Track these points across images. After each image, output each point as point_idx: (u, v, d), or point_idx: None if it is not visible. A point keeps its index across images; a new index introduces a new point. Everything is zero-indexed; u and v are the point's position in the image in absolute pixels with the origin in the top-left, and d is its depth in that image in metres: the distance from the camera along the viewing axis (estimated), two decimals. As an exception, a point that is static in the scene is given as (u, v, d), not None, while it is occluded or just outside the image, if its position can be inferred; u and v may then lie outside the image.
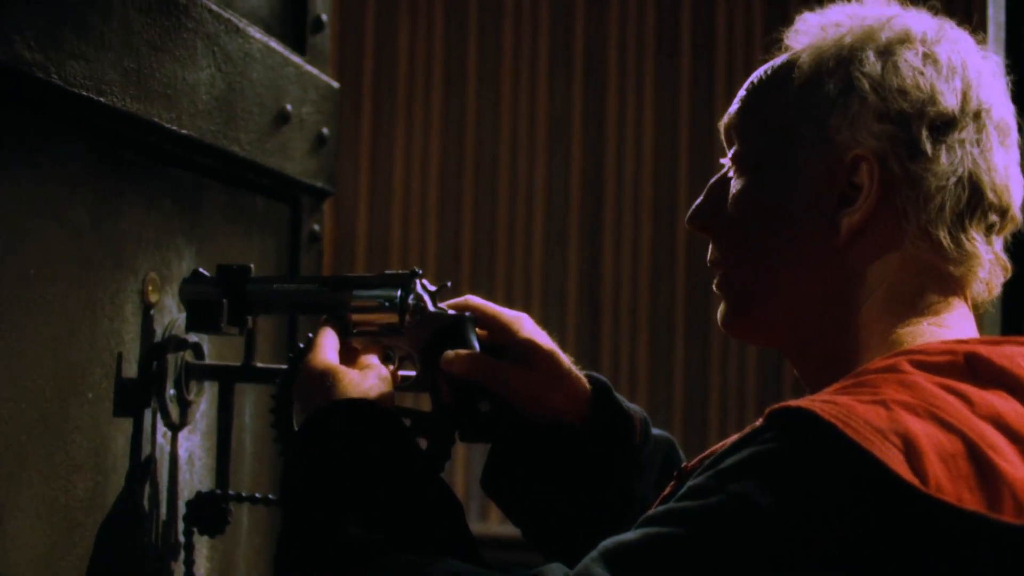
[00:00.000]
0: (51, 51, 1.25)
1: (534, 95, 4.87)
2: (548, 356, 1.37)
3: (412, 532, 1.17)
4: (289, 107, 1.78)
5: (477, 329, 1.39)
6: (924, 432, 0.99)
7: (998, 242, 1.20)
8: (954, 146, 1.15)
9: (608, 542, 1.02)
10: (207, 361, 1.60)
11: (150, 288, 1.50)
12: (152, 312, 1.51)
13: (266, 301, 1.47)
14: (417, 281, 1.40)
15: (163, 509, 1.54)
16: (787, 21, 1.26)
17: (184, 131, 1.50)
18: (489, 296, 1.45)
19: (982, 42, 1.23)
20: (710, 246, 1.27)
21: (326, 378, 1.30)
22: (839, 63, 1.18)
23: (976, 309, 1.21)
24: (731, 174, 1.26)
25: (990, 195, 1.17)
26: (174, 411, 1.53)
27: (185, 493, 1.56)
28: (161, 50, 1.45)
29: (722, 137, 1.29)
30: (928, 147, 1.15)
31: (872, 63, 1.17)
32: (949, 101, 1.16)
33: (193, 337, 1.55)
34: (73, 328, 1.38)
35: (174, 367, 1.53)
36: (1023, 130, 1.22)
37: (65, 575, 1.36)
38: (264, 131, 1.72)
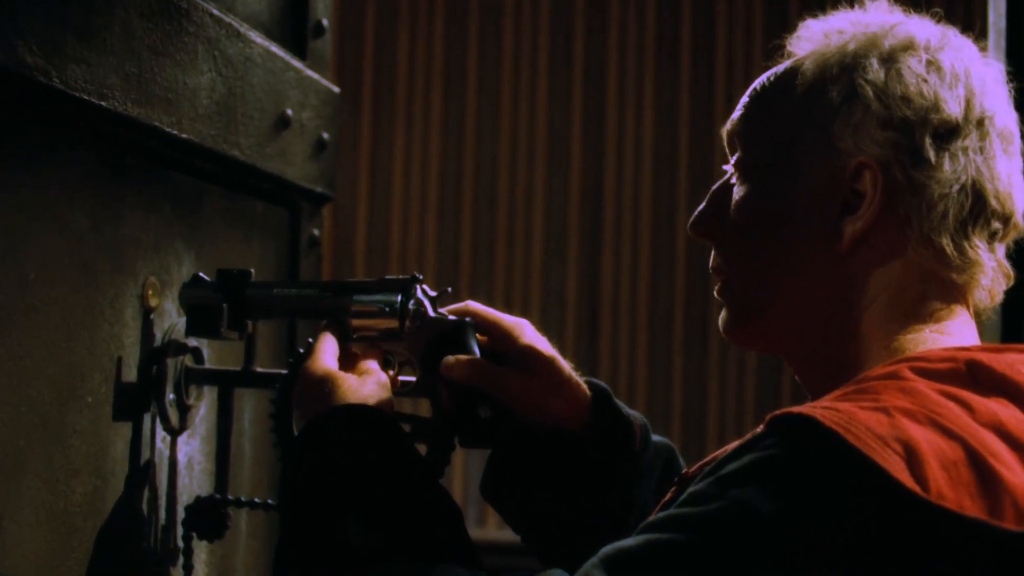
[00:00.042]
0: (53, 55, 1.25)
1: (534, 98, 4.87)
2: (549, 362, 1.37)
3: (411, 538, 1.17)
4: (289, 112, 1.78)
5: (478, 335, 1.39)
6: (925, 439, 0.99)
7: (1000, 249, 1.20)
8: (957, 154, 1.15)
9: (609, 548, 1.02)
10: (207, 366, 1.60)
11: (150, 292, 1.50)
12: (152, 316, 1.51)
13: (266, 306, 1.47)
14: (418, 286, 1.40)
15: (162, 514, 1.53)
16: (787, 22, 1.26)
17: (185, 135, 1.50)
18: (488, 300, 1.45)
19: (983, 49, 1.24)
20: (712, 253, 1.27)
21: (324, 384, 1.30)
22: (843, 70, 1.18)
23: (978, 316, 1.21)
24: (733, 180, 1.26)
25: (993, 202, 1.17)
26: (173, 415, 1.53)
27: (184, 498, 1.56)
28: (162, 54, 1.45)
29: (724, 143, 1.29)
30: (931, 155, 1.15)
31: (876, 70, 1.17)
32: (953, 109, 1.16)
33: (193, 341, 1.55)
34: (72, 332, 1.37)
35: (174, 371, 1.53)
36: (1026, 137, 1.22)
37: (64, 580, 1.36)
38: (264, 136, 1.72)
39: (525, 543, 1.45)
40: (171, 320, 1.54)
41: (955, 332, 1.17)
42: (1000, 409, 1.05)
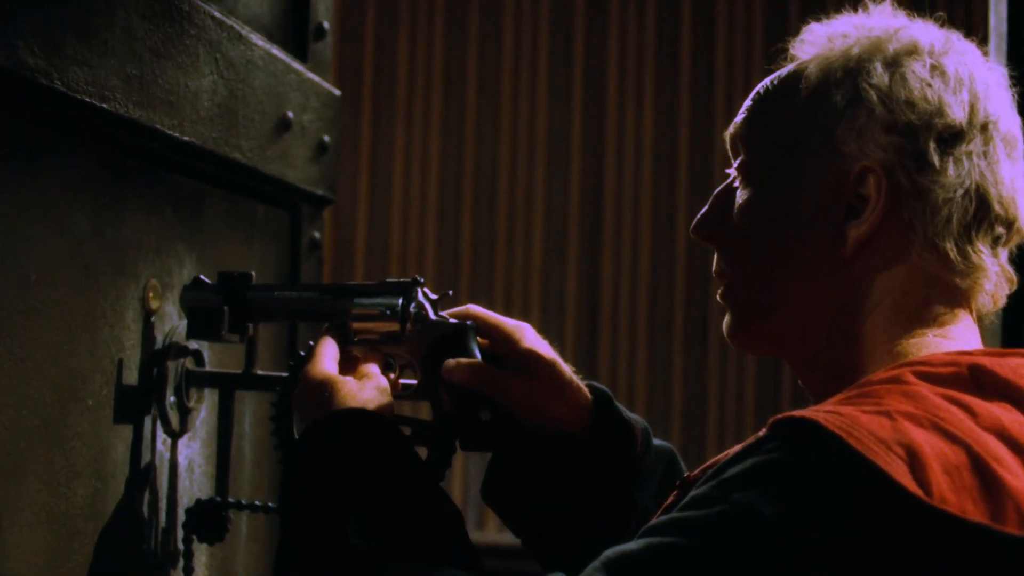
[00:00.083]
0: (54, 57, 1.25)
1: (534, 98, 4.87)
2: (550, 366, 1.36)
3: (411, 541, 1.16)
4: (290, 114, 1.78)
5: (479, 338, 1.38)
6: (928, 443, 0.99)
7: (1004, 254, 1.20)
8: (961, 158, 1.15)
9: (610, 552, 1.02)
10: (207, 368, 1.59)
11: (151, 295, 1.50)
12: (153, 319, 1.50)
13: (267, 309, 1.47)
14: (419, 289, 1.40)
15: (162, 516, 1.53)
16: (787, 22, 1.27)
17: (186, 138, 1.50)
18: (488, 300, 1.45)
19: (985, 54, 1.23)
20: (715, 256, 1.27)
21: (324, 388, 1.30)
22: (846, 74, 1.18)
23: (980, 320, 1.21)
24: (737, 184, 1.26)
25: (997, 207, 1.17)
26: (174, 418, 1.53)
27: (184, 500, 1.56)
28: (164, 57, 1.45)
29: (727, 146, 1.28)
30: (935, 159, 1.15)
31: (880, 74, 1.17)
32: (957, 113, 1.16)
33: (194, 344, 1.55)
34: (73, 335, 1.37)
35: (174, 374, 1.53)
36: (1029, 142, 1.22)
37: (64, 583, 1.36)
38: (265, 138, 1.72)
39: (526, 546, 1.45)
40: (172, 323, 1.54)
41: (958, 336, 1.17)
42: (1003, 413, 1.05)
